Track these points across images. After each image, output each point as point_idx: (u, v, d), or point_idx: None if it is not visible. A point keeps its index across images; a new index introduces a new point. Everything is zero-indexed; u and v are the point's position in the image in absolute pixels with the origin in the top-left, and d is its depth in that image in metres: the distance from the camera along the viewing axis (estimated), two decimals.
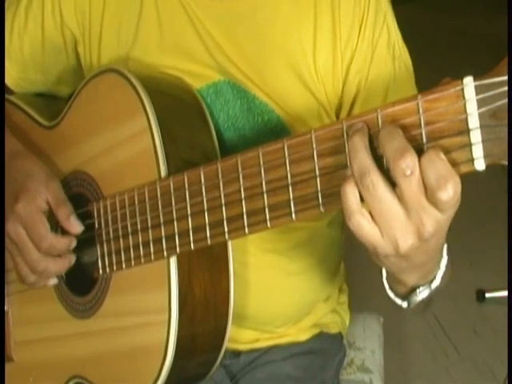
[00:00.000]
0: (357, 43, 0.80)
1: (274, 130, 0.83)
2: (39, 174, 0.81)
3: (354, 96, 0.82)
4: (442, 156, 0.49)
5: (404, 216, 0.51)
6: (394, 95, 0.80)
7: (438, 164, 0.49)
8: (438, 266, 0.64)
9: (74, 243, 0.80)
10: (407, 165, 0.49)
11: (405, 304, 0.67)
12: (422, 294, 0.64)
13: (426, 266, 0.61)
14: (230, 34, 0.82)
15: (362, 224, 0.52)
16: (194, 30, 0.83)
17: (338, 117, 0.85)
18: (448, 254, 0.64)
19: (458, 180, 0.49)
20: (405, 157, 0.49)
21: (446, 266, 0.64)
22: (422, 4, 3.57)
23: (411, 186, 0.50)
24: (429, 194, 0.50)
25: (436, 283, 0.63)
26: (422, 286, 0.64)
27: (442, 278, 0.64)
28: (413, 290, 0.65)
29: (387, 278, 0.68)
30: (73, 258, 0.81)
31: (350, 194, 0.52)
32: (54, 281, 0.83)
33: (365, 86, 0.81)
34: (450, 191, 0.49)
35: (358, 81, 0.81)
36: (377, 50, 0.81)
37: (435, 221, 0.51)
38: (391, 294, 0.67)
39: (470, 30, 3.45)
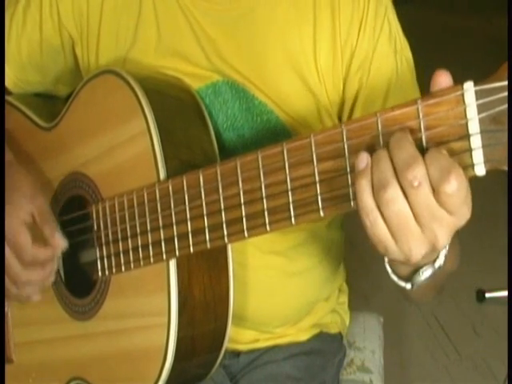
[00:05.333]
0: (357, 40, 0.80)
1: (273, 131, 0.83)
2: (25, 189, 0.80)
3: (357, 92, 0.81)
4: (444, 152, 0.50)
5: (419, 230, 0.51)
6: (396, 90, 0.80)
7: (440, 159, 0.49)
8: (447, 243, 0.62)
9: (60, 249, 0.79)
10: (414, 176, 0.49)
11: (408, 285, 0.65)
12: (425, 273, 0.63)
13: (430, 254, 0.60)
14: (228, 35, 0.81)
15: (379, 224, 0.52)
16: (192, 33, 0.82)
17: (339, 116, 0.84)
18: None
19: (461, 173, 0.49)
20: (412, 168, 0.49)
21: (449, 245, 0.61)
22: (421, 4, 3.57)
23: (421, 196, 0.50)
24: (435, 192, 0.50)
25: (439, 262, 0.62)
26: (425, 265, 0.63)
27: (447, 257, 0.62)
28: (416, 270, 0.64)
29: (389, 262, 0.67)
30: (54, 265, 0.80)
31: (366, 189, 0.52)
32: (37, 297, 0.82)
33: (367, 81, 0.80)
34: (454, 182, 0.49)
35: (360, 76, 0.81)
36: (378, 45, 0.80)
37: (449, 230, 0.51)
38: (394, 278, 0.66)
39: (470, 30, 3.44)
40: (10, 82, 0.95)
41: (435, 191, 0.50)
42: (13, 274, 0.78)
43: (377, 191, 0.52)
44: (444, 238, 0.52)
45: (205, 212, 0.66)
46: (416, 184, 0.49)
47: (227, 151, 0.83)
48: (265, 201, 0.61)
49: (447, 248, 0.62)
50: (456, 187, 0.49)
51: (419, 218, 0.51)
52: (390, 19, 0.82)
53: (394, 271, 0.66)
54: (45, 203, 0.80)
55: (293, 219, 0.59)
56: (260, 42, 0.81)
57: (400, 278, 0.66)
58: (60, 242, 0.78)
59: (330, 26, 0.80)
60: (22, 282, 0.79)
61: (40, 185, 0.83)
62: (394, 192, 0.51)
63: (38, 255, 0.78)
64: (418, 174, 0.49)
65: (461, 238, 0.71)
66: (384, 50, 0.81)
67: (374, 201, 0.52)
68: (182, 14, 0.82)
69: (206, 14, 0.82)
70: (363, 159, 0.53)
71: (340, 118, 0.84)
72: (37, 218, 0.79)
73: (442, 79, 0.51)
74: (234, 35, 0.81)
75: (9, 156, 0.86)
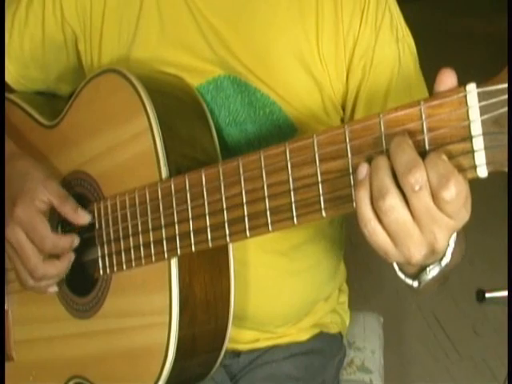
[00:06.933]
0: (359, 28, 0.80)
1: (276, 123, 0.83)
2: (36, 175, 0.80)
3: (360, 81, 0.82)
4: (444, 157, 0.50)
5: (418, 233, 0.52)
6: (399, 78, 0.81)
7: (439, 165, 0.49)
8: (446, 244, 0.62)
9: (76, 241, 0.79)
10: (416, 180, 0.50)
11: (415, 283, 0.66)
12: (432, 272, 0.63)
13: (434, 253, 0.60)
14: (232, 24, 0.82)
15: (378, 232, 0.53)
16: (195, 24, 0.82)
17: (343, 107, 0.84)
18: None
19: (460, 179, 0.49)
20: (413, 172, 0.50)
21: (456, 242, 0.62)
22: (421, 3, 3.57)
23: (421, 200, 0.50)
24: (434, 197, 0.50)
25: (446, 260, 0.62)
26: (432, 264, 0.63)
27: (453, 253, 0.62)
28: (422, 268, 0.65)
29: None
30: (72, 256, 0.80)
31: (364, 199, 0.53)
32: (53, 288, 0.83)
33: (370, 69, 0.81)
34: (453, 189, 0.49)
35: (363, 65, 0.81)
36: (380, 33, 0.81)
37: (447, 232, 0.52)
38: (401, 275, 0.67)
39: (470, 30, 3.45)
40: (11, 79, 0.95)
41: (434, 197, 0.50)
42: (31, 266, 0.78)
43: (375, 200, 0.52)
44: (443, 240, 0.52)
45: (207, 211, 0.67)
46: (417, 188, 0.50)
47: (230, 146, 0.84)
48: (267, 200, 0.61)
49: (453, 246, 0.62)
50: (455, 194, 0.49)
51: (419, 222, 0.52)
52: (391, 8, 0.82)
53: (400, 269, 0.67)
54: (58, 185, 0.80)
55: (295, 219, 0.59)
56: (263, 30, 0.81)
57: (407, 275, 0.66)
58: (83, 216, 0.78)
59: (333, 15, 0.80)
60: (39, 275, 0.79)
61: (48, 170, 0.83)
62: (392, 201, 0.51)
63: (59, 243, 0.78)
64: (419, 178, 0.50)
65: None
66: (386, 39, 0.81)
67: (373, 210, 0.53)
68: (185, 4, 0.82)
69: (209, 3, 0.82)
70: (363, 169, 0.53)
71: (344, 109, 0.85)
72: (54, 202, 0.78)
73: (447, 78, 0.51)
74: (238, 23, 0.81)
75: (12, 148, 0.86)
